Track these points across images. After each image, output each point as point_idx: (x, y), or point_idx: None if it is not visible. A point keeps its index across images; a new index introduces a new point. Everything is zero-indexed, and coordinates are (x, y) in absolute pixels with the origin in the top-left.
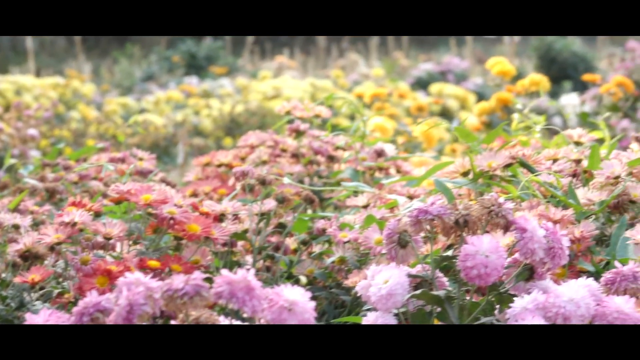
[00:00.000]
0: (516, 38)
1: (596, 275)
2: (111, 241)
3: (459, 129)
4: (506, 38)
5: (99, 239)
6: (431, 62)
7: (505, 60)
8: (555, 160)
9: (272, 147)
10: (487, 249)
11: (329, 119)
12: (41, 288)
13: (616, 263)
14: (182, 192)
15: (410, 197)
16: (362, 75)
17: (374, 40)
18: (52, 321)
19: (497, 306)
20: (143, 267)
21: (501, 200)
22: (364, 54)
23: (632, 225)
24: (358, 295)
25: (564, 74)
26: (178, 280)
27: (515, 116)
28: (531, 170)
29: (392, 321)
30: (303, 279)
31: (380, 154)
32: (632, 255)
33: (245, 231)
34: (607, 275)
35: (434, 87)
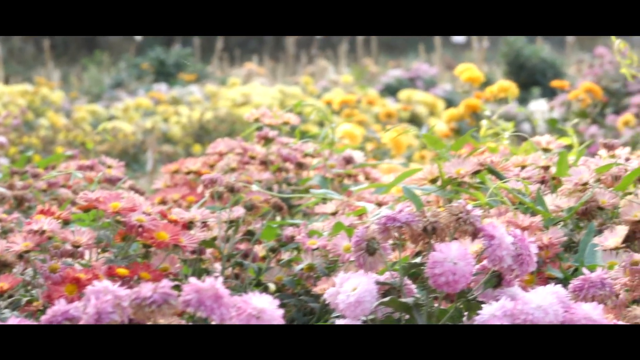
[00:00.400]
0: (485, 44)
1: (564, 282)
2: (80, 249)
3: (428, 136)
4: (475, 44)
5: (68, 247)
6: (400, 69)
7: (474, 66)
8: (523, 167)
9: (240, 155)
10: (455, 256)
11: (297, 126)
12: (10, 296)
13: (584, 270)
14: (151, 199)
15: (379, 204)
16: (332, 82)
17: (343, 46)
18: None
19: (466, 313)
20: (112, 275)
21: (469, 207)
22: (333, 61)
23: (600, 232)
24: (327, 302)
25: (533, 80)
26: (146, 289)
27: (484, 123)
28: (499, 177)
29: None
30: (272, 287)
31: (348, 161)
32: (600, 261)
33: (214, 239)
34: (575, 282)
35: (403, 94)
